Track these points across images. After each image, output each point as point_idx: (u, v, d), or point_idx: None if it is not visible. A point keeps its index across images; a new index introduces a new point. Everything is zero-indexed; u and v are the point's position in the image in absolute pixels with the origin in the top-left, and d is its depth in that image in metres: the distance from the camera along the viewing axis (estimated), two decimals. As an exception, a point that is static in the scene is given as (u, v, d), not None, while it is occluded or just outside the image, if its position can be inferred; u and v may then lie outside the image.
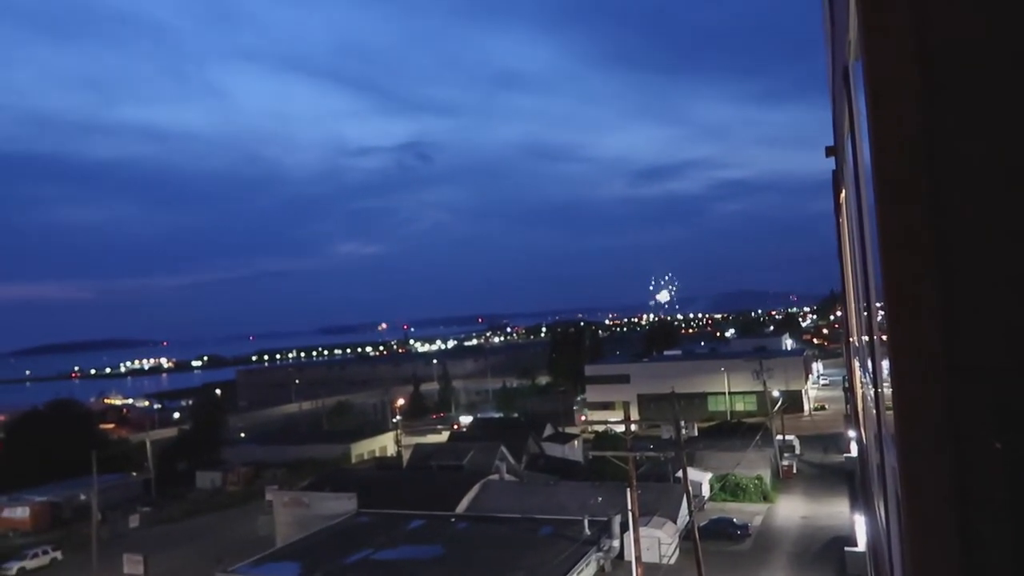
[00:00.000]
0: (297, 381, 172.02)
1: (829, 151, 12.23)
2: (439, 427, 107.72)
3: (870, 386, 6.73)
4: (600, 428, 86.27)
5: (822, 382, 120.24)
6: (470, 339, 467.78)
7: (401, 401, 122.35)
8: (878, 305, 4.50)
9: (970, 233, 2.87)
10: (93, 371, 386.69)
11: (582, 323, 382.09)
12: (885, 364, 4.23)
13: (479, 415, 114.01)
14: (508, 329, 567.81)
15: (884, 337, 3.38)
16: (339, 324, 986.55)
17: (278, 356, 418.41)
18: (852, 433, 49.31)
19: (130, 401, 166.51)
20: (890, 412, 3.49)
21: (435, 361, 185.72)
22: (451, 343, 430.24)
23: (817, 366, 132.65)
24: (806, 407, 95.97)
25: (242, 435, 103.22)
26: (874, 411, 5.98)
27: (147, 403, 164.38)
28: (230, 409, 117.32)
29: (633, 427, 74.98)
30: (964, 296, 2.87)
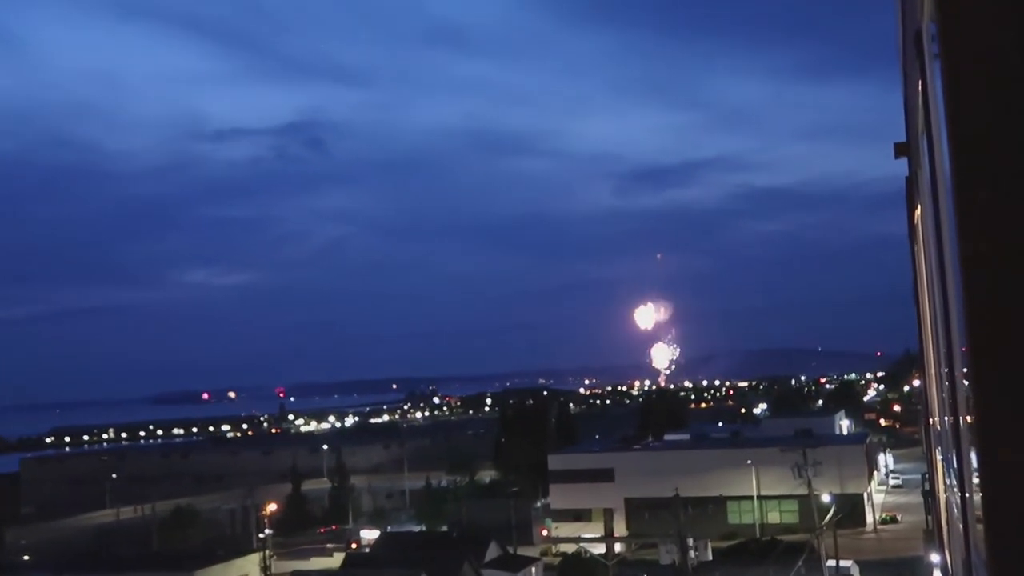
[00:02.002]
0: (115, 475, 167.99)
1: (899, 149, 12.57)
2: (329, 546, 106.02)
3: (956, 490, 6.82)
4: (570, 548, 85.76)
5: (892, 482, 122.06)
6: (379, 414, 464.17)
7: (273, 507, 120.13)
8: (964, 371, 4.55)
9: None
10: None
11: (546, 392, 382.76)
12: (975, 457, 4.27)
13: (390, 528, 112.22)
14: (436, 400, 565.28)
15: (970, 419, 3.37)
16: (181, 389, 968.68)
17: (86, 437, 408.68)
18: (935, 558, 50.00)
19: None
20: (982, 527, 3.51)
21: (325, 447, 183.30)
22: (351, 420, 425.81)
23: (886, 459, 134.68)
24: (870, 518, 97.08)
25: (26, 557, 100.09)
26: (960, 526, 6.05)
27: None
28: (9, 517, 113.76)
29: (618, 547, 74.88)
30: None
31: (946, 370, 6.78)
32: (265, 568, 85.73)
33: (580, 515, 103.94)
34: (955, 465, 6.40)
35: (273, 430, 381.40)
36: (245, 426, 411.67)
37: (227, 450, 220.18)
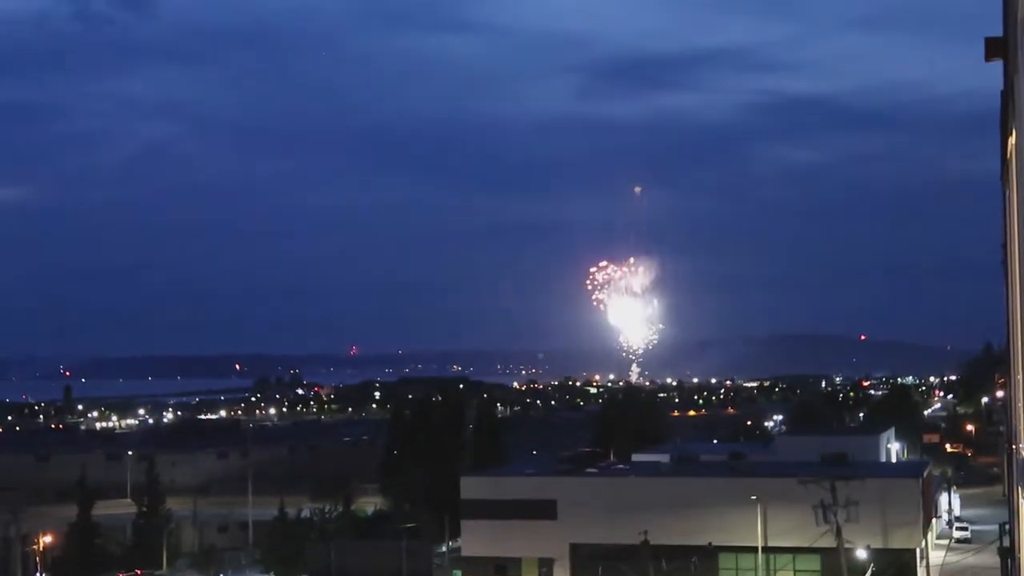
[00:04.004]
0: None
1: (992, 47, 12.68)
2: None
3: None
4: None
5: (958, 534, 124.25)
6: (215, 408, 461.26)
7: (49, 539, 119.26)
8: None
9: None
10: None
11: (462, 385, 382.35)
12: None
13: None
14: (300, 391, 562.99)
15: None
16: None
17: None
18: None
19: None
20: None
21: (131, 453, 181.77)
22: (171, 415, 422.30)
23: (950, 500, 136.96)
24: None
25: None
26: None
27: None
28: None
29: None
30: None
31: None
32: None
33: (504, 567, 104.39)
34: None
35: (54, 426, 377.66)
36: (11, 418, 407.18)
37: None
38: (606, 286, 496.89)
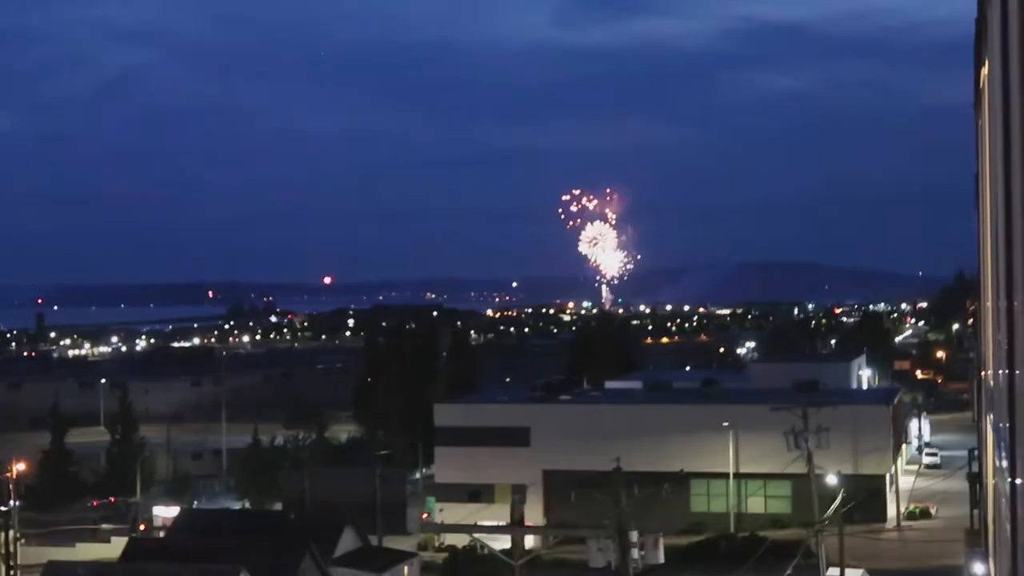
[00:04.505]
0: None
1: (964, -24, 12.70)
2: (105, 527, 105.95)
3: (1006, 474, 7.04)
4: (461, 540, 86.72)
5: (927, 460, 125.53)
6: (188, 335, 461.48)
7: (22, 467, 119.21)
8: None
9: None
10: None
11: (436, 312, 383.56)
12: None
13: (197, 504, 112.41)
14: (273, 318, 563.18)
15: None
16: None
17: None
18: (979, 569, 51.69)
19: None
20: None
21: (104, 381, 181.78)
22: (144, 342, 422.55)
23: (920, 426, 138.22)
24: (892, 510, 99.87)
25: None
26: (1007, 525, 6.24)
27: None
28: None
29: (530, 540, 76.27)
30: None
31: (1006, 303, 6.89)
32: (7, 556, 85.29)
33: (478, 493, 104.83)
34: (1007, 439, 6.55)
35: (26, 353, 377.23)
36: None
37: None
38: (581, 214, 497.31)
